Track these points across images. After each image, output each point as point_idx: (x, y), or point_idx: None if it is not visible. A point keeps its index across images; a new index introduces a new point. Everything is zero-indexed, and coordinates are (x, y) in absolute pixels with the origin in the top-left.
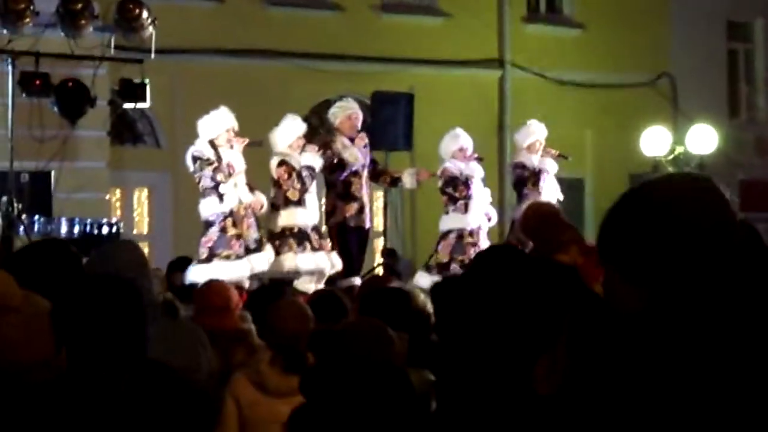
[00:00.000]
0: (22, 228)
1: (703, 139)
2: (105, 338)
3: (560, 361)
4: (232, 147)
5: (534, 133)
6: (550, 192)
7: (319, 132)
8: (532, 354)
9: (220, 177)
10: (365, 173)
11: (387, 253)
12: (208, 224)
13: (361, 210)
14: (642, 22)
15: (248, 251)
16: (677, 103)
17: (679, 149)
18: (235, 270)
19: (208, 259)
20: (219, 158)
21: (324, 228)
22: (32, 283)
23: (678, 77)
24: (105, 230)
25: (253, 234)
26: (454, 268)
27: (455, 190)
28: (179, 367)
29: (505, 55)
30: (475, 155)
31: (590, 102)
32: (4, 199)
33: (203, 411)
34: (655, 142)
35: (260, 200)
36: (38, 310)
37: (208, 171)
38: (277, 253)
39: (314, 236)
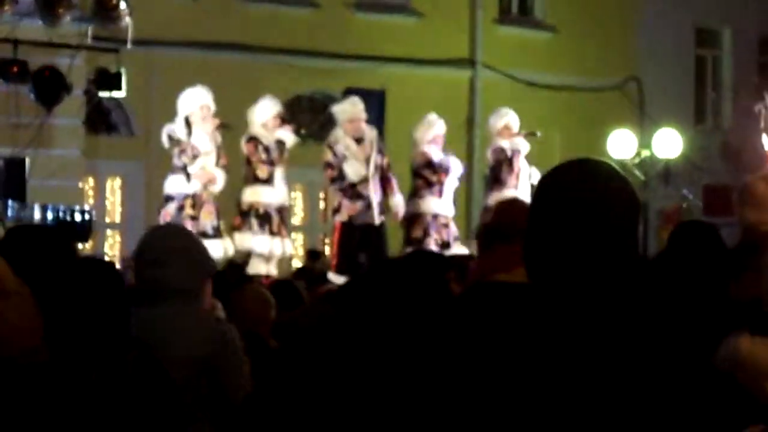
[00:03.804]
0: None
1: (669, 144)
2: (87, 321)
3: None
4: (207, 124)
5: (506, 114)
6: (524, 173)
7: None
8: None
9: (184, 159)
10: (373, 172)
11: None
12: (168, 199)
13: (367, 207)
14: (611, 27)
15: (204, 236)
16: (644, 107)
17: (644, 153)
18: None
19: None
20: (189, 138)
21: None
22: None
23: (645, 82)
24: (78, 217)
25: (212, 221)
26: (428, 242)
27: (434, 174)
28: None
29: (477, 55)
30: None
31: (559, 104)
32: None
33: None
34: (621, 145)
35: (209, 174)
36: (28, 294)
37: (176, 151)
38: (237, 229)
39: (276, 219)
